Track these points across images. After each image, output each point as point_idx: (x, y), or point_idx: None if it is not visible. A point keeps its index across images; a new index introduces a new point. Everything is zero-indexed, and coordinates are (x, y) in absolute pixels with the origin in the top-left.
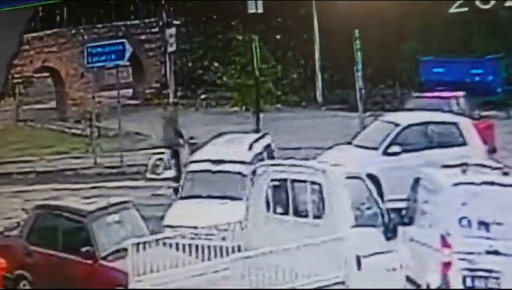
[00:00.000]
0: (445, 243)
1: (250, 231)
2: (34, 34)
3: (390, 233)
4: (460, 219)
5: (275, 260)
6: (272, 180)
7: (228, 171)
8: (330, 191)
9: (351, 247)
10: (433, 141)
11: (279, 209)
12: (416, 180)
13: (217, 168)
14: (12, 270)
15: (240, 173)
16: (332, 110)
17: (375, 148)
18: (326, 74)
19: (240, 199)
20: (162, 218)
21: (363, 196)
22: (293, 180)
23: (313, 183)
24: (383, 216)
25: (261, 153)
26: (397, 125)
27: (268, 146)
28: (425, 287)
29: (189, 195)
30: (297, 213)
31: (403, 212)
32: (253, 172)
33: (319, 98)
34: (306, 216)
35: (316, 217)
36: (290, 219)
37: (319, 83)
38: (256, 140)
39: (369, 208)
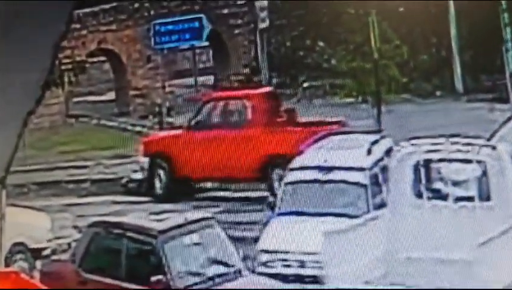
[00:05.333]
0: None
1: (394, 224)
2: (88, 10)
3: None
4: None
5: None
6: (425, 161)
7: (342, 181)
8: (500, 169)
9: None
10: None
11: (431, 194)
12: None
13: (328, 177)
14: None
15: (357, 183)
16: (476, 102)
17: None
18: (466, 55)
19: (359, 216)
20: (255, 240)
21: None
22: (452, 160)
23: (477, 161)
24: None
25: (382, 159)
26: None
27: (390, 150)
28: None
29: (291, 211)
30: (456, 197)
31: None
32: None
33: (458, 86)
34: (469, 199)
35: (483, 199)
36: (449, 204)
37: (457, 67)
38: (376, 142)
39: None
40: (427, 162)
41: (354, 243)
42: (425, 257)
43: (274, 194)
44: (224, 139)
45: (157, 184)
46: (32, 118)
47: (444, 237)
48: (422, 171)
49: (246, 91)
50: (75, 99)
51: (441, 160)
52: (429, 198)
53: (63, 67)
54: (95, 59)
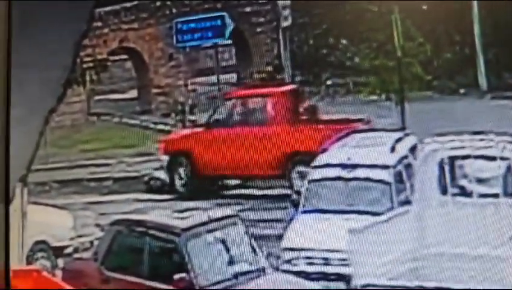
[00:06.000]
0: None
1: (419, 221)
2: (109, 8)
3: None
4: None
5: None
6: (449, 158)
7: (366, 179)
8: None
9: None
10: None
11: (456, 191)
12: None
13: (351, 175)
14: None
15: (381, 181)
16: (500, 99)
17: None
18: (490, 52)
19: (383, 213)
20: (279, 237)
21: None
22: (476, 157)
23: (502, 158)
24: None
25: (406, 157)
26: None
27: (414, 148)
28: None
29: (315, 209)
30: (481, 194)
31: None
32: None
33: (482, 84)
34: (494, 196)
35: (508, 196)
36: (474, 201)
37: (481, 65)
38: (399, 139)
39: None
40: (452, 159)
41: (379, 240)
42: (451, 253)
43: (297, 192)
44: (246, 137)
45: (180, 182)
46: (53, 116)
47: (469, 233)
48: (447, 168)
49: (268, 89)
50: (97, 98)
51: (465, 157)
52: (454, 195)
53: (85, 65)
54: (116, 57)
